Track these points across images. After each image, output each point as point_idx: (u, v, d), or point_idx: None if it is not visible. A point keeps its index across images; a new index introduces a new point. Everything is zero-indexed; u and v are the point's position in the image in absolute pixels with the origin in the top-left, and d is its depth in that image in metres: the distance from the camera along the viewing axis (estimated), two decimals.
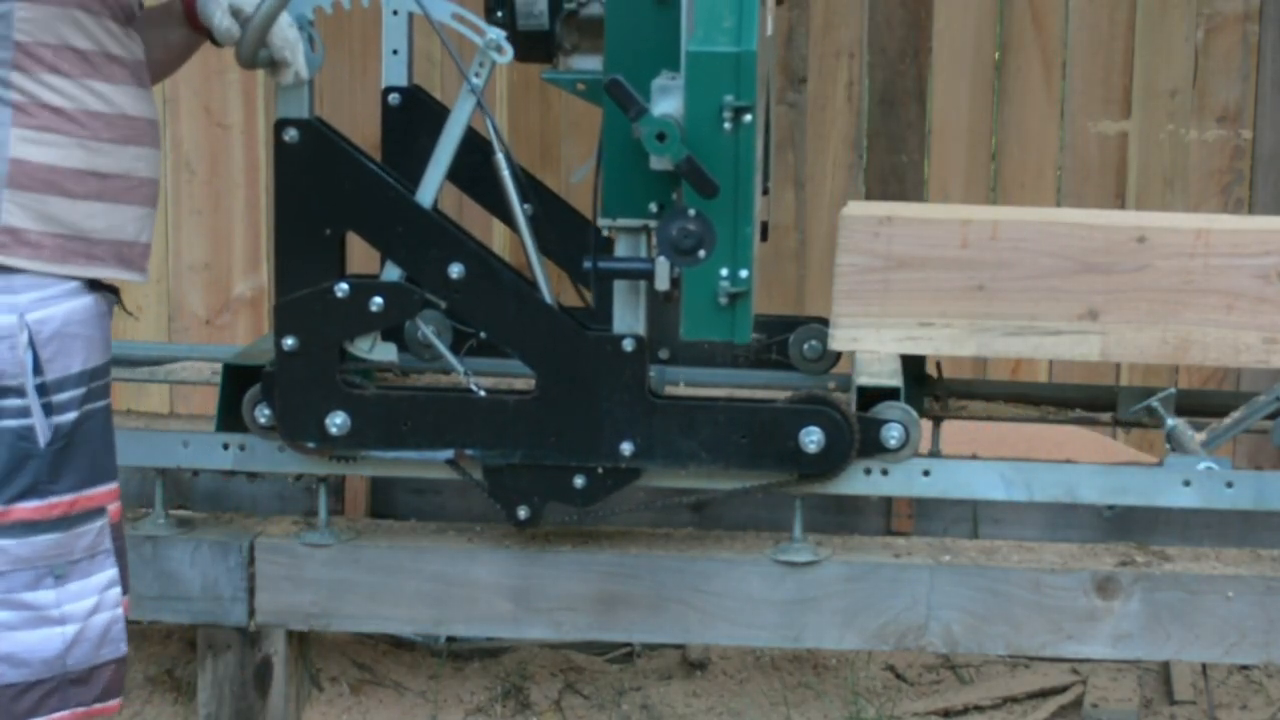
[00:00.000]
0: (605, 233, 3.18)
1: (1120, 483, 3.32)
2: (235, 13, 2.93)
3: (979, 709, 3.73)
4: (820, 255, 4.49)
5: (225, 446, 3.38)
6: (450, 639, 3.85)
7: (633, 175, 3.10)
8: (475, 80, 3.17)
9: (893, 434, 3.26)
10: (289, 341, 3.22)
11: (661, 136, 2.94)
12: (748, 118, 2.97)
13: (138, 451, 3.40)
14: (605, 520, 3.37)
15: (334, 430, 3.25)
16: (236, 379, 3.43)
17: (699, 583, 3.36)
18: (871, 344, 3.41)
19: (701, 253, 3.01)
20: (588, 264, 3.10)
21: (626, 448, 3.23)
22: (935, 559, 3.37)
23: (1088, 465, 3.37)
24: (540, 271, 3.23)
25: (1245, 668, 3.80)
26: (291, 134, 3.18)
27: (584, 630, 3.41)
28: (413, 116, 3.63)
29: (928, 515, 3.95)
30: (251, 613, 3.43)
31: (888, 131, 4.53)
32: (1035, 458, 3.52)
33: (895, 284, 3.38)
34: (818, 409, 3.24)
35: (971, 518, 3.92)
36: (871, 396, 3.27)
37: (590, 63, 3.35)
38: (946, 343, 3.40)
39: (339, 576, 3.41)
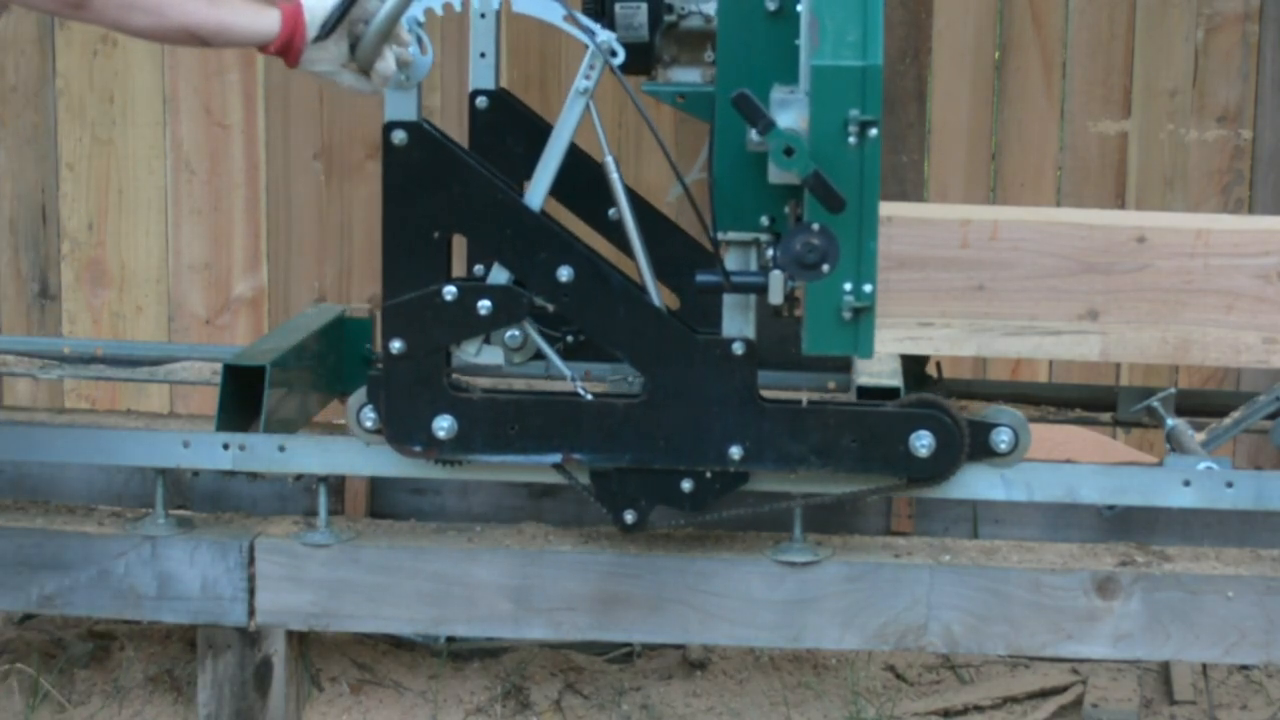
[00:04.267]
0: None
1: (1120, 483, 3.32)
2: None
3: (979, 709, 3.72)
4: None
5: (225, 446, 3.38)
6: (450, 639, 3.85)
7: (744, 189, 3.09)
8: (585, 82, 3.15)
9: (1003, 438, 3.25)
10: (396, 344, 3.21)
11: (789, 151, 2.91)
12: (873, 131, 2.93)
13: (138, 451, 3.41)
14: (713, 526, 3.35)
15: (441, 434, 3.23)
16: (236, 379, 3.43)
17: (699, 583, 3.36)
18: None
19: (825, 267, 2.98)
20: (700, 278, 3.09)
21: (735, 451, 3.20)
22: (935, 559, 3.37)
23: (1088, 465, 3.37)
24: (649, 275, 3.20)
25: (1245, 668, 3.79)
26: (400, 136, 3.15)
27: (584, 630, 3.41)
28: (499, 119, 3.61)
29: (928, 515, 3.94)
30: (251, 613, 3.43)
31: (888, 131, 4.48)
32: (1035, 458, 3.52)
33: (895, 284, 3.37)
34: (928, 413, 3.21)
35: (971, 518, 3.91)
36: (872, 396, 3.27)
37: (689, 75, 3.34)
38: (946, 343, 3.40)
39: (339, 576, 3.41)
